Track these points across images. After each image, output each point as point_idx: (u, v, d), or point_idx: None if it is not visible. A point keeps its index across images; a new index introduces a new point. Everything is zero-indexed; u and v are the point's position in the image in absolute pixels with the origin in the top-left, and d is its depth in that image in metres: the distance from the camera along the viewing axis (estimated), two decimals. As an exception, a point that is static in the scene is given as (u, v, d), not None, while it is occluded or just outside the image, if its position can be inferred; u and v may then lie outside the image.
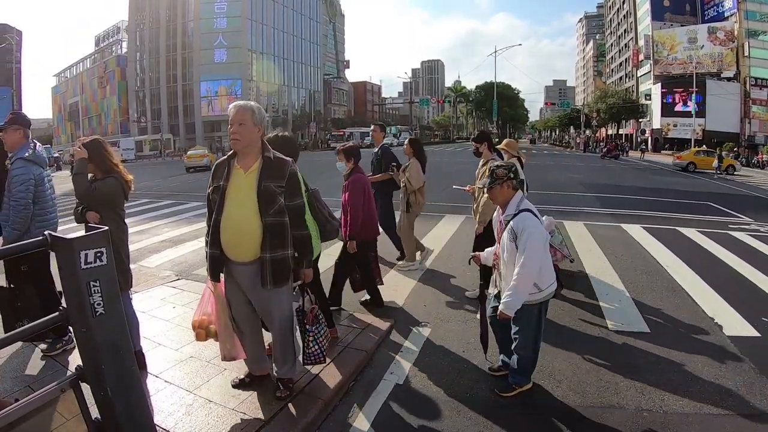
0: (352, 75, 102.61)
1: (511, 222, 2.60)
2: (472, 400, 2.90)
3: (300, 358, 2.76)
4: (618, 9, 69.63)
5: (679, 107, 47.06)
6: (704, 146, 31.67)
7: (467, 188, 4.94)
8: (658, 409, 2.93)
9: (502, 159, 4.81)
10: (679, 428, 2.71)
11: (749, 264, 6.39)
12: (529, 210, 2.62)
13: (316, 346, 2.68)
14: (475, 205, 4.61)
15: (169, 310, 4.02)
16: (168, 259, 6.01)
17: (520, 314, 2.63)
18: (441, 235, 7.29)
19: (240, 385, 2.76)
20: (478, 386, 3.07)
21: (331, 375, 2.95)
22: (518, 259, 2.53)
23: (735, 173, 25.35)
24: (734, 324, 4.33)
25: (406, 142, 5.44)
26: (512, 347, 2.89)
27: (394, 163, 5.52)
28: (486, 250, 3.04)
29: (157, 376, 2.94)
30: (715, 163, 24.25)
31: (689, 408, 2.94)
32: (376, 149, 5.77)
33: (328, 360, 2.96)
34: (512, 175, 2.65)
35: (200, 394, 2.72)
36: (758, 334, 4.10)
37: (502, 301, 2.63)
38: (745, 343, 3.89)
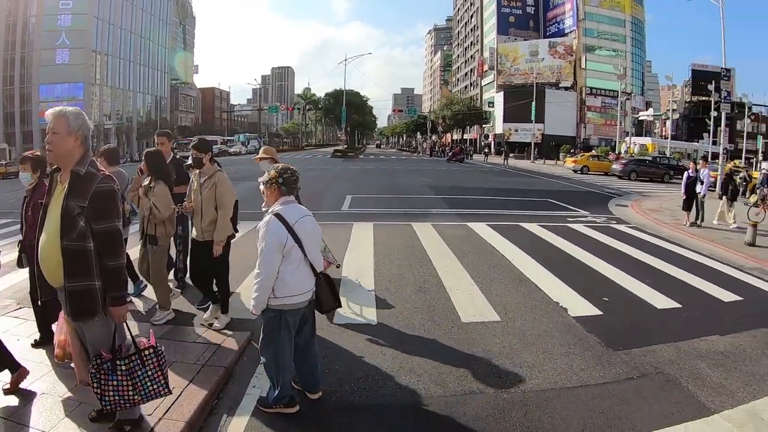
0: (201, 81, 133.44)
1: (259, 224, 3.88)
2: (334, 404, 4.28)
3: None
4: (466, 23, 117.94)
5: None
6: (593, 151, 54.75)
7: (184, 206, 6.19)
8: (516, 389, 4.62)
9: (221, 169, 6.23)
10: (538, 404, 4.38)
11: (587, 251, 10.37)
12: (278, 214, 3.87)
13: (117, 396, 3.40)
14: (199, 223, 5.93)
15: (14, 343, 4.96)
16: (7, 286, 7.34)
17: (263, 314, 3.95)
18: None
19: (98, 418, 3.70)
20: (341, 389, 4.53)
21: (192, 395, 4.13)
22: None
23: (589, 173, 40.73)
24: (578, 306, 6.99)
25: (143, 156, 6.44)
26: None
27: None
28: None
29: (6, 419, 3.83)
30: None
31: (545, 384, 4.75)
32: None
33: (183, 383, 4.31)
34: (281, 180, 3.99)
35: (59, 432, 3.68)
36: (600, 313, 6.76)
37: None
38: (589, 322, 6.39)
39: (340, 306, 4.48)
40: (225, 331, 5.64)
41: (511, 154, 60.60)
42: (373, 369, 4.89)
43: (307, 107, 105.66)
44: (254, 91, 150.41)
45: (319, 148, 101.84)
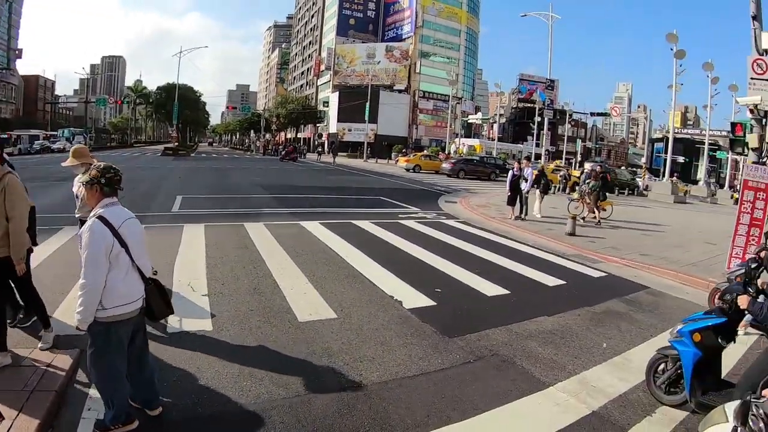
0: (25, 67, 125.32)
1: (81, 229, 3.74)
2: (176, 417, 4.17)
3: None
4: (306, 21, 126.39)
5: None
6: (425, 151, 58.66)
7: None
8: (359, 383, 4.79)
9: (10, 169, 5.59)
10: (381, 396, 4.59)
11: (419, 246, 11.08)
12: (101, 217, 3.76)
13: None
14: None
15: None
16: None
17: (90, 329, 3.75)
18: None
19: None
20: (182, 401, 4.39)
21: (23, 427, 3.80)
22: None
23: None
24: (412, 298, 7.44)
25: None
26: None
27: None
28: None
29: None
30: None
31: (387, 376, 4.98)
32: None
33: (12, 414, 3.90)
34: (104, 180, 3.88)
35: None
36: (434, 303, 7.26)
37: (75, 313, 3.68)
38: (424, 313, 6.83)
39: (172, 312, 4.33)
40: (53, 349, 5.18)
41: (341, 153, 62.97)
42: (213, 377, 4.75)
43: (138, 101, 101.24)
44: (82, 81, 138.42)
45: (149, 145, 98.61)
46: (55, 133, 75.30)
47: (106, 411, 3.87)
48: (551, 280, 9.16)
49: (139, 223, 4.06)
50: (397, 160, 53.69)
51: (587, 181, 18.05)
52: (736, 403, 3.01)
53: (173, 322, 5.93)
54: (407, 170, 44.48)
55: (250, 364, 5.05)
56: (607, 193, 18.95)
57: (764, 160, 11.47)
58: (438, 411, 4.40)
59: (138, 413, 4.03)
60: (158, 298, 4.06)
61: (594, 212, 17.43)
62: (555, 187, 28.41)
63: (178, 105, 73.88)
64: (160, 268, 7.84)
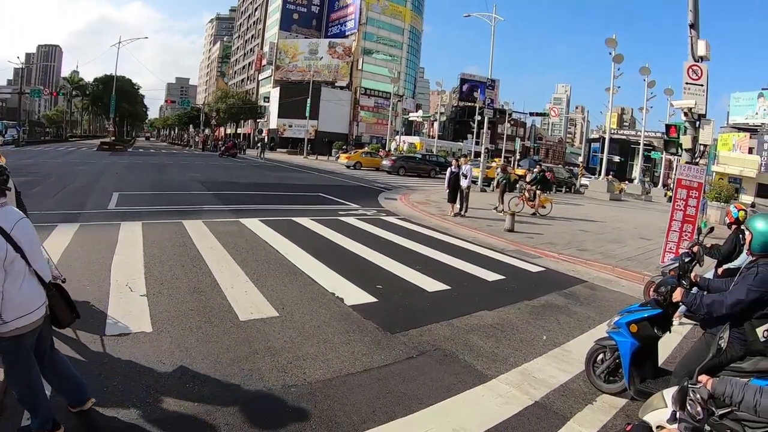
0: None
1: None
2: (118, 423, 4.03)
3: None
4: (249, 15, 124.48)
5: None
6: (366, 148, 59.14)
7: None
8: (303, 381, 4.78)
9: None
10: (326, 394, 4.59)
11: (359, 243, 11.13)
12: None
13: None
14: None
15: None
16: None
17: None
18: (55, 248, 9.04)
19: None
20: (123, 407, 4.23)
21: None
22: None
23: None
24: (354, 295, 7.46)
25: None
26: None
27: None
28: None
29: None
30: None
31: (330, 374, 4.98)
32: None
33: None
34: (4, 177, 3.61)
35: None
36: (375, 300, 7.32)
37: None
38: (365, 309, 6.88)
39: (78, 317, 4.09)
40: None
41: (281, 150, 62.31)
42: (155, 380, 4.62)
43: (74, 93, 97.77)
44: (16, 71, 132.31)
45: (85, 139, 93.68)
46: (-13, 125, 71.06)
47: (32, 419, 3.73)
48: (491, 276, 9.39)
49: (30, 223, 3.75)
50: (338, 157, 53.60)
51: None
52: (674, 389, 3.16)
53: (113, 324, 5.76)
54: (348, 167, 44.53)
55: (192, 365, 4.96)
56: (546, 191, 19.83)
57: (697, 160, 12.07)
58: (383, 407, 4.45)
59: (71, 417, 3.91)
60: (62, 303, 3.86)
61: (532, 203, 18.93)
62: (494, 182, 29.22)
63: (116, 98, 72.00)
64: (96, 268, 7.87)
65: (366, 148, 60.13)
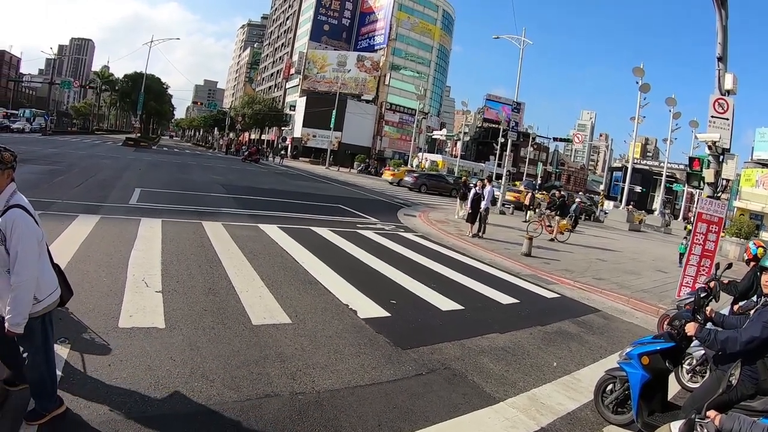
0: None
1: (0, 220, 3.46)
2: (124, 415, 4.05)
3: None
4: (281, 23, 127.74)
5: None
6: (409, 166, 60.42)
7: None
8: (311, 390, 4.80)
9: None
10: (333, 404, 4.61)
11: (375, 257, 11.16)
12: (20, 206, 3.52)
13: None
14: None
15: None
16: None
17: (27, 329, 3.59)
18: (75, 237, 9.42)
19: None
20: (131, 399, 4.24)
21: None
22: (12, 266, 3.44)
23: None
24: (367, 308, 7.48)
25: None
26: (25, 372, 3.93)
27: None
28: None
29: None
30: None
31: (338, 384, 5.00)
32: None
33: None
34: (15, 163, 3.63)
35: None
36: (388, 314, 7.33)
37: (6, 318, 3.50)
38: (378, 323, 6.89)
39: (72, 294, 4.22)
40: None
41: (304, 158, 63.00)
42: (164, 376, 4.67)
43: (104, 87, 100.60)
44: (48, 61, 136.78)
45: (110, 133, 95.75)
46: (15, 112, 72.65)
47: (36, 402, 3.81)
48: (505, 298, 9.35)
49: None
50: (383, 172, 53.95)
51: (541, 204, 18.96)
52: (681, 421, 3.15)
53: (126, 317, 5.83)
54: (392, 184, 44.18)
55: (202, 364, 4.99)
56: (566, 218, 19.86)
57: (719, 194, 11.96)
58: (389, 421, 4.44)
59: (77, 407, 3.97)
60: (64, 279, 4.02)
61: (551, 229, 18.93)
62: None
63: (144, 95, 73.19)
64: (114, 261, 8.02)
65: (408, 166, 60.10)
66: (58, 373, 4.38)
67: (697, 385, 5.58)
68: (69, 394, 4.13)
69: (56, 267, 3.97)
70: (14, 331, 3.46)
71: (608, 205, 44.55)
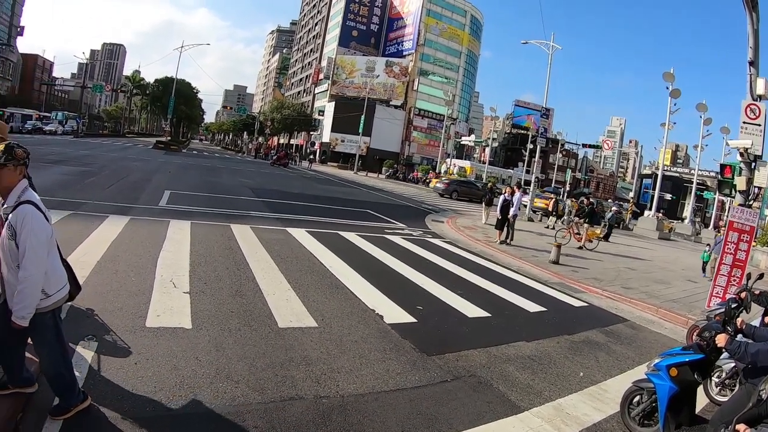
0: (25, 45, 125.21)
1: (10, 216, 3.54)
2: (149, 413, 4.12)
3: None
4: (309, 29, 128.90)
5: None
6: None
7: None
8: (335, 394, 4.80)
9: None
10: (357, 408, 4.60)
11: (402, 262, 11.13)
12: (31, 202, 3.58)
13: None
14: None
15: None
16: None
17: (34, 325, 3.66)
18: (105, 237, 9.61)
19: None
20: (156, 397, 4.28)
21: None
22: (21, 261, 3.51)
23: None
24: (393, 313, 7.46)
25: None
26: (41, 369, 4.04)
27: None
28: None
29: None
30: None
31: (363, 389, 4.99)
32: None
33: None
34: (29, 160, 3.71)
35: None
36: (414, 320, 7.30)
37: (13, 310, 3.57)
38: (404, 329, 6.86)
39: (80, 290, 4.28)
40: None
41: (332, 163, 63.54)
42: (189, 375, 4.73)
43: (134, 92, 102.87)
44: (80, 65, 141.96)
45: (141, 137, 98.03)
46: (48, 114, 74.60)
47: (59, 398, 3.89)
48: (532, 306, 9.25)
49: None
50: (430, 182, 53.53)
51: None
52: None
53: (152, 316, 5.92)
54: (441, 195, 41.29)
55: (227, 365, 5.03)
56: (594, 225, 19.72)
57: (750, 203, 11.68)
58: (413, 427, 4.42)
59: (103, 405, 4.04)
60: (72, 275, 4.09)
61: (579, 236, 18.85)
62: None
63: (174, 99, 74.65)
64: (143, 261, 8.14)
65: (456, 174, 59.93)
66: (84, 370, 4.49)
67: (725, 399, 5.44)
68: (95, 390, 4.20)
69: (65, 263, 4.02)
70: (20, 324, 3.52)
71: (630, 215, 43.47)
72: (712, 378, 6.04)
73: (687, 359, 4.63)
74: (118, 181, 18.57)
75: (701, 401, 5.45)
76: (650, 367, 4.93)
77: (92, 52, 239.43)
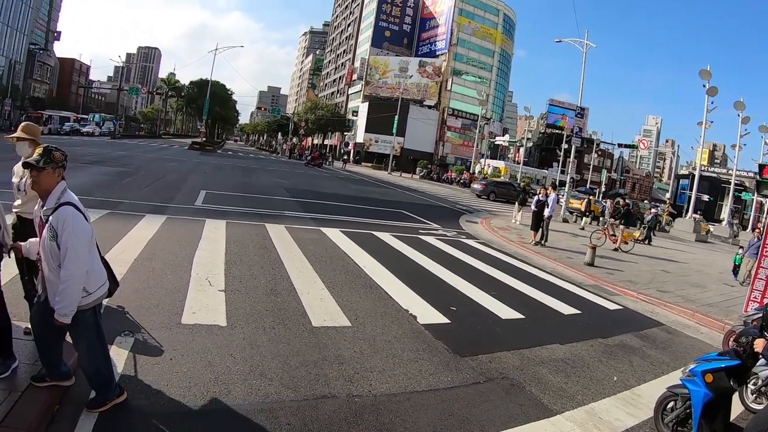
0: (62, 49, 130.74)
1: (51, 217, 3.63)
2: (183, 407, 4.23)
3: None
4: (342, 30, 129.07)
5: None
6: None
7: None
8: (368, 393, 4.84)
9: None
10: (389, 408, 4.63)
11: (436, 263, 11.11)
12: (71, 203, 3.68)
13: None
14: None
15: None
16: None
17: (75, 322, 3.76)
18: (142, 236, 9.83)
19: None
20: (190, 393, 4.36)
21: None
22: (62, 260, 3.62)
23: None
24: (427, 313, 7.47)
25: None
26: (80, 364, 4.13)
27: None
28: (30, 240, 4.08)
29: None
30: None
31: (396, 389, 5.01)
32: None
33: None
34: (66, 163, 3.80)
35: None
36: (448, 321, 7.30)
37: (56, 308, 3.67)
38: (437, 329, 6.86)
39: (118, 286, 4.34)
40: None
41: (366, 164, 63.55)
42: (223, 372, 4.82)
43: (170, 94, 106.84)
44: (116, 68, 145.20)
45: (177, 137, 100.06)
46: (85, 116, 76.50)
47: (96, 392, 4.00)
48: (567, 309, 9.15)
49: None
50: (471, 181, 53.52)
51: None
52: None
53: (188, 314, 6.06)
54: (479, 196, 41.06)
55: (261, 363, 5.12)
56: (630, 226, 19.50)
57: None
58: (444, 428, 4.43)
59: (137, 398, 4.15)
60: (111, 272, 4.15)
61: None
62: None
63: (209, 101, 75.64)
64: (179, 260, 8.33)
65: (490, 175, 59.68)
66: (120, 365, 4.63)
67: (761, 407, 5.31)
68: (130, 384, 4.32)
69: (103, 260, 4.12)
70: (62, 321, 3.63)
71: (666, 217, 42.25)
72: (748, 385, 5.90)
73: (723, 365, 4.52)
74: (155, 181, 19.00)
75: (736, 409, 5.34)
76: (685, 372, 4.83)
77: (128, 55, 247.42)
